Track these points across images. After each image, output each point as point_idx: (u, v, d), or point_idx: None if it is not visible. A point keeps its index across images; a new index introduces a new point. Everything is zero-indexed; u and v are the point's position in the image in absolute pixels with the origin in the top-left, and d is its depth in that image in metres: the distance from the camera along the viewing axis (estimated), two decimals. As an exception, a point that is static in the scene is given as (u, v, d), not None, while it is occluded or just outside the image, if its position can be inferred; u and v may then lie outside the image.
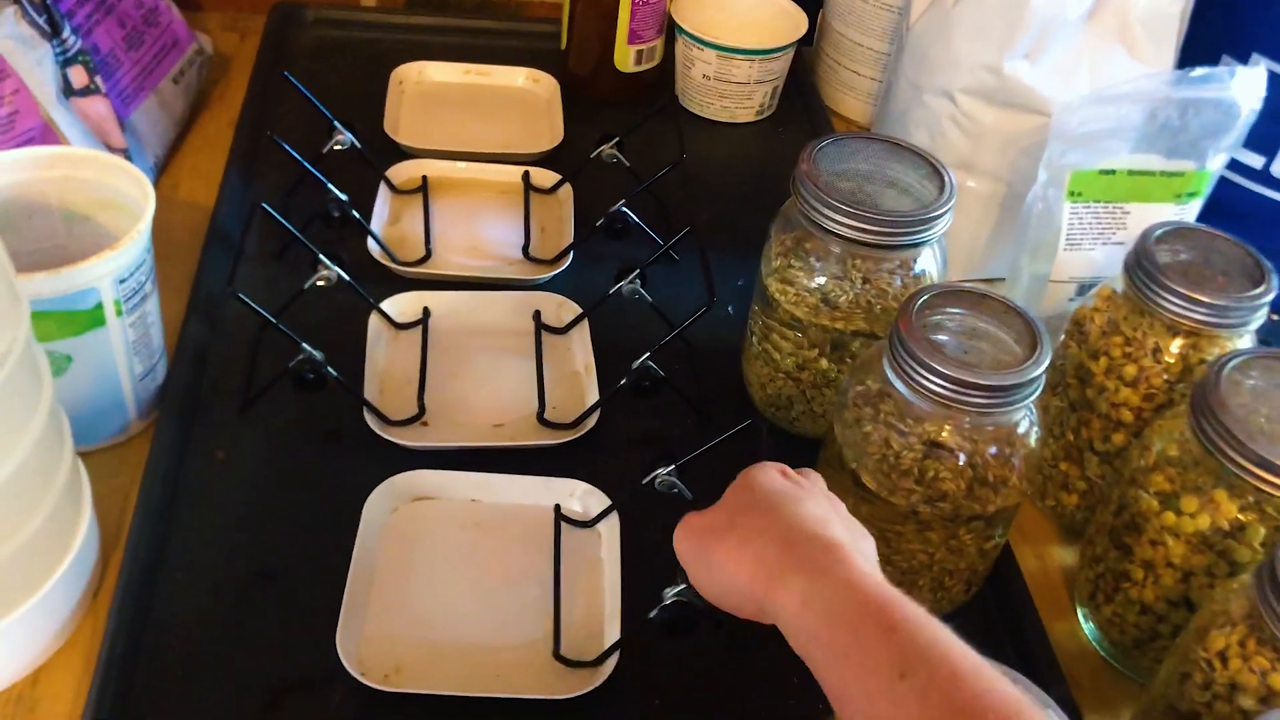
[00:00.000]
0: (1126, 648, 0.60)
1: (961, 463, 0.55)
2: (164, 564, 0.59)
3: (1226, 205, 0.84)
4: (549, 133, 0.91)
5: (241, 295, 0.63)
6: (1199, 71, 0.66)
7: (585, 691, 0.55)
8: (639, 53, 0.95)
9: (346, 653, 0.55)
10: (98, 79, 0.75)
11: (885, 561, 0.58)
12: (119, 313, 0.60)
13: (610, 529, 0.63)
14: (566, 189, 0.85)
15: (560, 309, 0.76)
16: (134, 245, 0.59)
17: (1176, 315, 0.59)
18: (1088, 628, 0.63)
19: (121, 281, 0.59)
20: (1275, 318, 0.90)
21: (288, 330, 0.64)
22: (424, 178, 0.84)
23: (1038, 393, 0.54)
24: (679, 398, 0.70)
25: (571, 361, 0.73)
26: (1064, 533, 0.69)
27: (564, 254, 0.79)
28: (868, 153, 0.65)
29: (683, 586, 0.55)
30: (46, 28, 0.72)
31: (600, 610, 0.60)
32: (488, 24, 1.04)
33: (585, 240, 0.79)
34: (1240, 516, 0.53)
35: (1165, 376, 0.60)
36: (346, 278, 0.69)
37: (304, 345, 0.63)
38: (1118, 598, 0.59)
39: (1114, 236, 0.70)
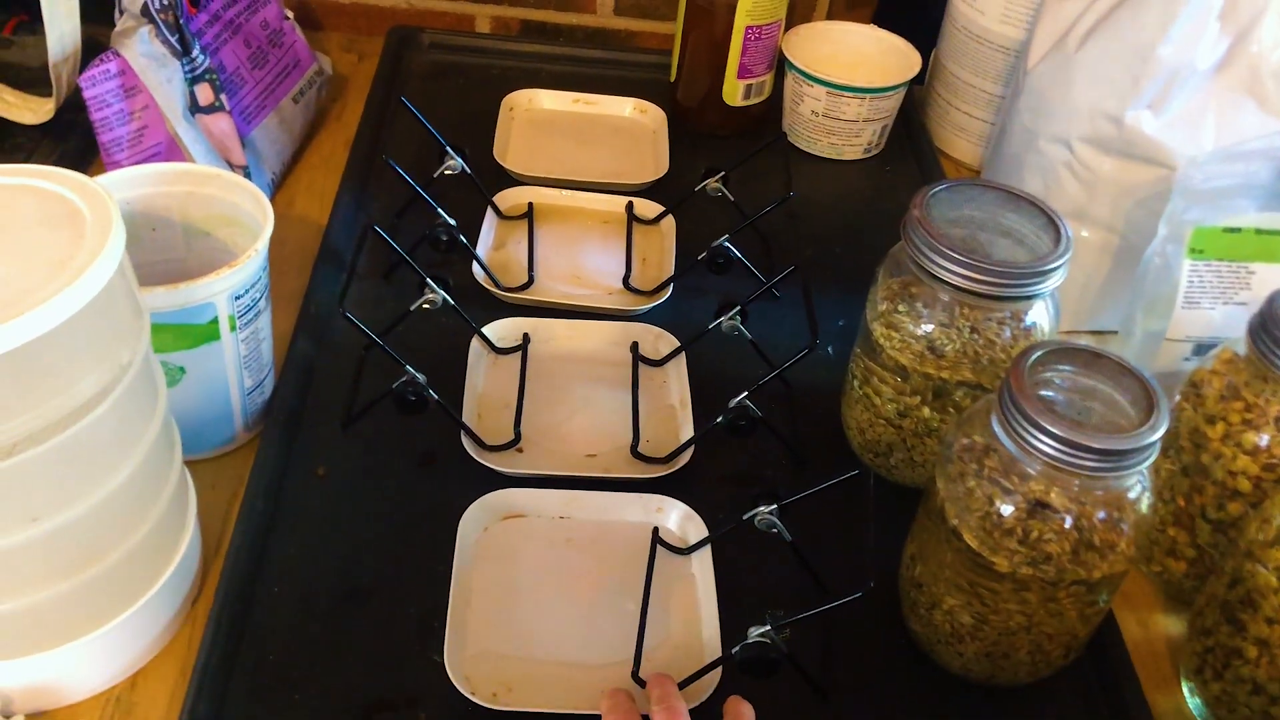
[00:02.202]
0: (1234, 727, 0.57)
1: (1067, 525, 0.53)
2: (262, 576, 0.60)
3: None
4: (654, 164, 0.91)
5: (350, 315, 0.64)
6: (1335, 129, 0.64)
7: None
8: (748, 87, 0.95)
9: (454, 671, 0.55)
10: (223, 97, 0.77)
11: (981, 621, 0.57)
12: (233, 328, 0.61)
13: (702, 558, 0.63)
14: (669, 221, 0.85)
15: (658, 341, 0.76)
16: (251, 263, 0.60)
17: (1303, 384, 0.56)
18: (1193, 703, 0.60)
19: (237, 298, 0.60)
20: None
21: (392, 352, 0.65)
22: (529, 204, 0.85)
23: (1153, 458, 0.52)
24: (775, 438, 0.69)
25: (667, 395, 0.73)
26: (1169, 600, 0.66)
27: (664, 286, 0.79)
28: (982, 200, 0.63)
29: (767, 628, 0.54)
30: (178, 46, 0.74)
31: (696, 637, 0.59)
32: (598, 54, 1.05)
33: (686, 273, 0.79)
34: (1366, 600, 0.50)
35: (1288, 447, 0.58)
36: (451, 301, 0.70)
37: (408, 368, 0.64)
38: (1228, 675, 0.57)
39: (1236, 297, 0.68)
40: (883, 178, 0.97)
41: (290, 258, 0.79)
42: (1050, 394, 0.53)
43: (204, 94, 0.76)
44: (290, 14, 0.88)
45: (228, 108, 0.78)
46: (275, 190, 0.86)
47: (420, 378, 0.64)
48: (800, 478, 0.69)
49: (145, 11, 0.73)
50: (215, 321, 0.60)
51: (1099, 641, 0.61)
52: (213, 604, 0.57)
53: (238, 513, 0.62)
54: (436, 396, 0.64)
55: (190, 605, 0.59)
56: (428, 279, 0.69)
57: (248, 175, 0.79)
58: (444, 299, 0.70)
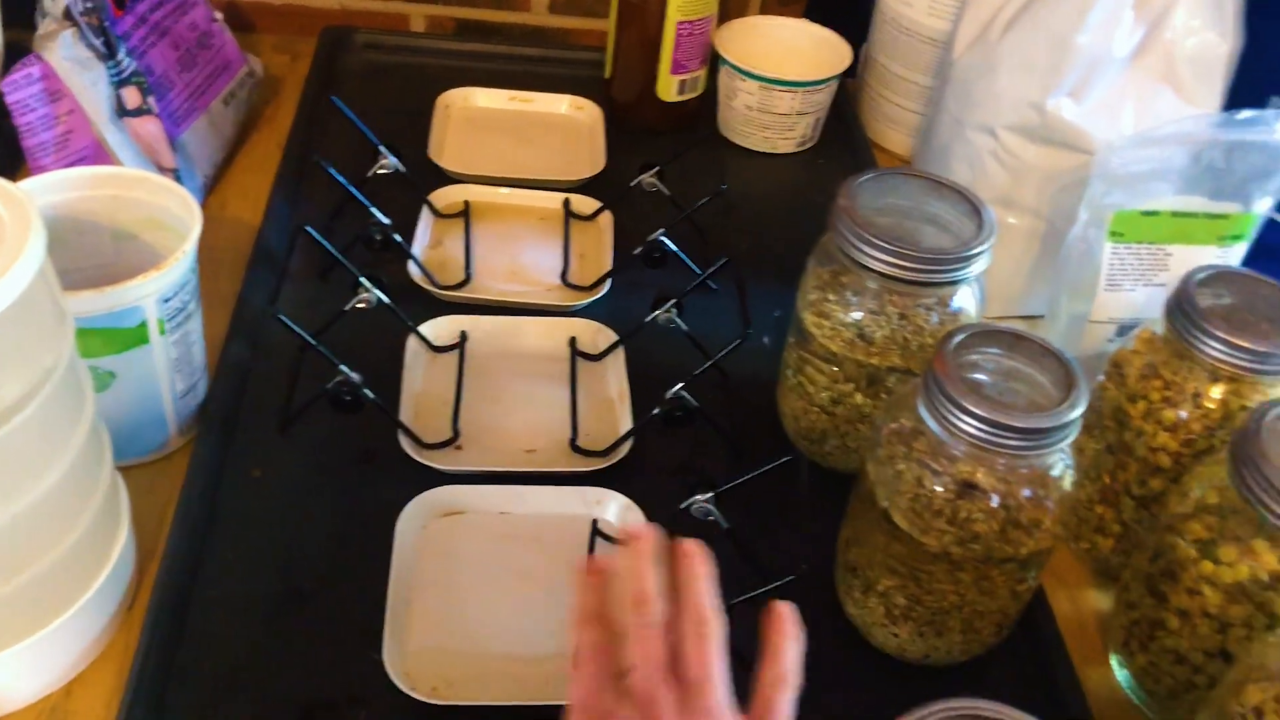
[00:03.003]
0: (1161, 697, 0.59)
1: (994, 504, 0.54)
2: (199, 580, 0.60)
3: (1272, 247, 0.83)
4: (591, 160, 0.92)
5: (282, 316, 0.64)
6: (1245, 114, 0.66)
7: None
8: (682, 82, 0.95)
9: (394, 667, 0.55)
10: (150, 100, 0.77)
11: (915, 602, 0.58)
12: (162, 331, 0.61)
13: None
14: (607, 216, 0.86)
15: (597, 336, 0.76)
16: (178, 266, 0.60)
17: (1218, 360, 0.58)
18: (1121, 675, 0.62)
19: (165, 301, 0.60)
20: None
21: (327, 352, 0.65)
22: (466, 203, 0.85)
23: (1073, 436, 0.53)
24: (712, 428, 0.70)
25: (606, 389, 0.73)
26: (1098, 576, 0.68)
27: (601, 281, 0.80)
28: (907, 189, 0.65)
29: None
30: (103, 49, 0.74)
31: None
32: (534, 51, 1.05)
33: (623, 268, 0.80)
34: None
35: (1205, 422, 0.59)
36: (386, 300, 0.70)
37: (342, 367, 0.64)
38: (1153, 646, 0.58)
39: (1155, 278, 0.70)
40: (817, 170, 0.98)
41: (223, 260, 0.79)
42: (975, 376, 0.55)
43: (131, 97, 0.76)
44: (219, 16, 0.88)
45: (156, 111, 0.77)
46: (207, 193, 0.85)
47: (355, 377, 0.64)
48: (738, 467, 0.70)
49: (68, 15, 0.72)
50: (144, 325, 0.60)
51: (1031, 618, 0.63)
52: (148, 608, 0.57)
53: (172, 516, 0.61)
54: (372, 395, 0.64)
55: (126, 611, 0.59)
56: (361, 278, 0.69)
57: (178, 178, 0.79)
58: (379, 298, 0.70)
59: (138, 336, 0.60)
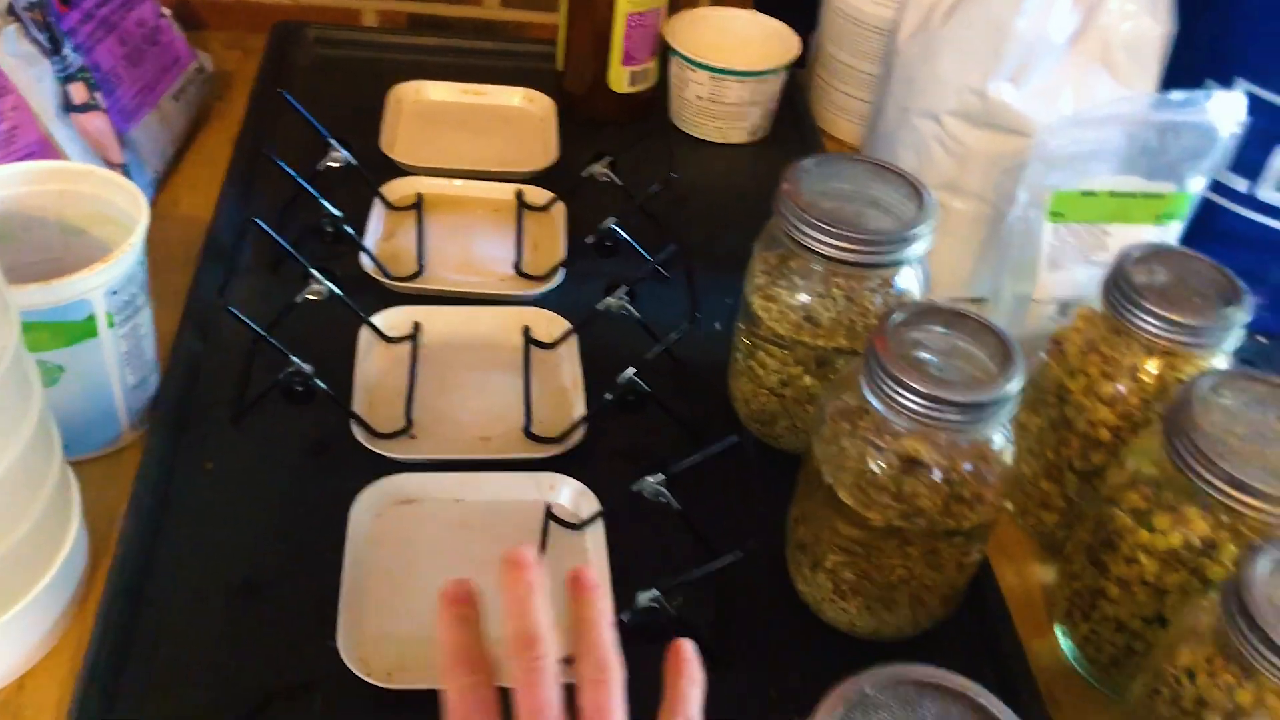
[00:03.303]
0: (1103, 665, 0.60)
1: (937, 479, 0.55)
2: (152, 572, 0.60)
3: (1212, 227, 0.85)
4: (544, 151, 0.92)
5: (232, 309, 0.64)
6: (1177, 95, 0.67)
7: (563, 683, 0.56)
8: (633, 74, 0.96)
9: (348, 653, 0.55)
10: (98, 95, 0.76)
11: (864, 577, 0.59)
12: (111, 324, 0.61)
13: (595, 533, 0.64)
14: (560, 207, 0.86)
15: (550, 325, 0.76)
16: (126, 258, 0.60)
17: (1153, 335, 0.59)
18: (1066, 645, 0.63)
19: (113, 294, 0.60)
20: (1262, 340, 0.91)
21: (277, 343, 0.65)
22: (418, 195, 0.85)
23: (1012, 409, 0.54)
24: (665, 413, 0.71)
25: (559, 377, 0.74)
26: (1044, 551, 0.69)
27: (555, 270, 0.80)
28: (850, 173, 0.66)
29: (654, 593, 0.56)
30: (48, 45, 0.73)
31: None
32: (486, 45, 1.05)
33: (576, 257, 0.80)
34: (1212, 534, 0.53)
35: (1142, 396, 0.61)
36: (338, 291, 0.70)
37: (293, 358, 0.64)
38: (1094, 615, 0.60)
39: (1095, 257, 0.71)
40: (768, 159, 0.99)
41: (175, 255, 0.78)
42: (916, 354, 0.56)
43: (78, 93, 0.75)
44: (168, 11, 0.87)
45: (103, 106, 0.77)
46: (158, 188, 0.85)
47: (306, 368, 0.64)
48: (691, 450, 0.71)
49: (11, 10, 0.72)
50: (92, 318, 0.60)
51: (978, 593, 0.64)
52: (100, 600, 0.57)
53: (125, 510, 0.61)
54: (323, 385, 0.65)
55: (79, 605, 0.59)
56: (311, 270, 0.70)
57: (127, 174, 0.78)
58: (330, 289, 0.70)
59: (86, 330, 0.60)
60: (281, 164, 0.75)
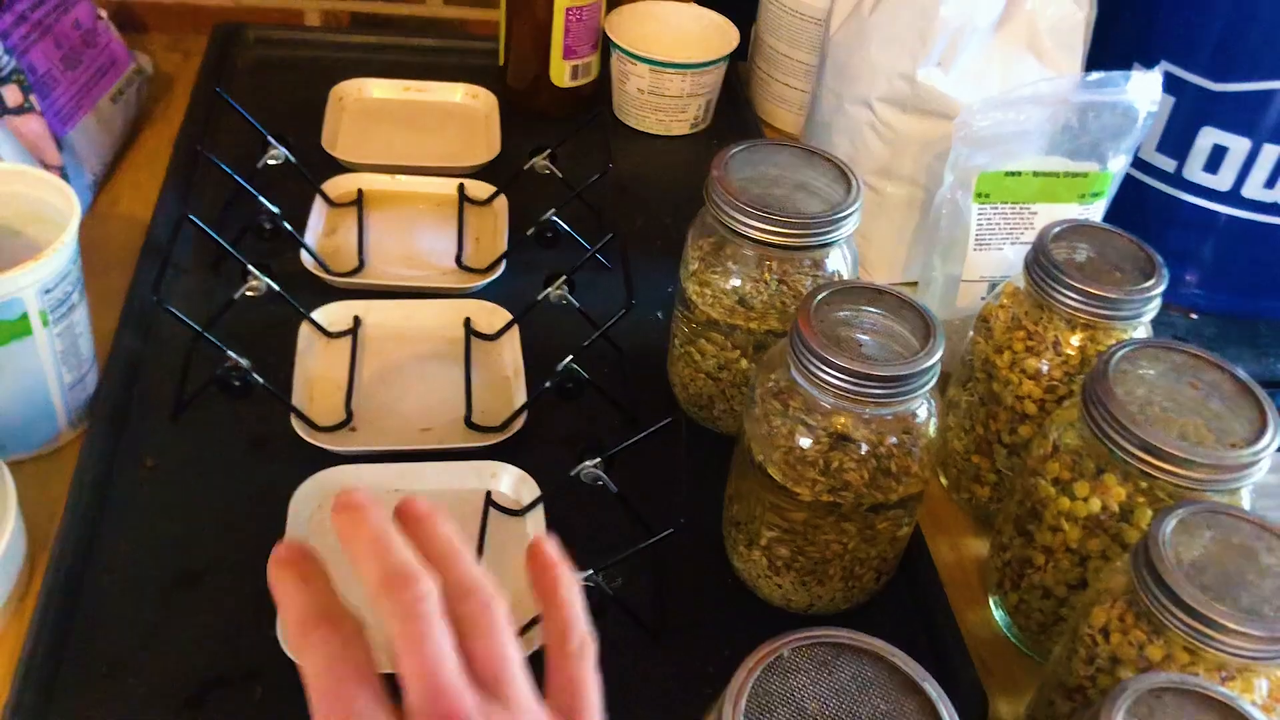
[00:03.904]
0: (1033, 632, 0.62)
1: (864, 452, 0.57)
2: (90, 568, 0.60)
3: (1141, 208, 0.87)
4: (486, 146, 0.93)
5: (168, 306, 0.64)
6: (1096, 76, 0.69)
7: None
8: (574, 68, 0.97)
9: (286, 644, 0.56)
10: (33, 98, 0.76)
11: (797, 553, 0.60)
12: (45, 323, 0.61)
13: (536, 519, 0.65)
14: (501, 200, 0.87)
15: (492, 316, 0.77)
16: (58, 256, 0.60)
17: (1073, 309, 0.61)
18: (998, 615, 0.64)
19: (47, 292, 0.60)
20: (1194, 316, 0.93)
21: (213, 339, 0.65)
22: (359, 190, 0.86)
23: (933, 382, 0.56)
24: (607, 399, 0.71)
25: (501, 367, 0.75)
26: (978, 524, 0.70)
27: (496, 263, 0.81)
28: (778, 159, 0.67)
29: (589, 573, 0.56)
30: (-20, 48, 0.73)
31: (529, 594, 0.61)
32: (429, 42, 1.06)
33: (518, 249, 0.81)
34: (1129, 500, 0.55)
35: (1065, 369, 0.62)
36: (276, 287, 0.71)
37: (229, 352, 0.65)
38: (1023, 584, 0.61)
39: (1022, 236, 0.73)
40: (709, 150, 0.98)
41: (115, 255, 0.79)
42: (838, 332, 0.57)
43: (12, 95, 0.75)
44: (104, 14, 0.87)
45: (39, 109, 0.77)
46: (98, 190, 0.85)
47: (244, 362, 0.65)
48: (631, 435, 0.72)
49: (-58, 13, 0.72)
50: (25, 317, 0.60)
51: (912, 566, 0.65)
52: (38, 596, 0.57)
53: (64, 507, 0.62)
54: (261, 380, 0.65)
55: (17, 603, 0.59)
56: (249, 266, 0.70)
57: (65, 176, 0.78)
58: (268, 285, 0.70)
59: (19, 329, 0.60)
60: (218, 162, 0.76)
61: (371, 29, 1.08)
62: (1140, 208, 0.88)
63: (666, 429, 0.64)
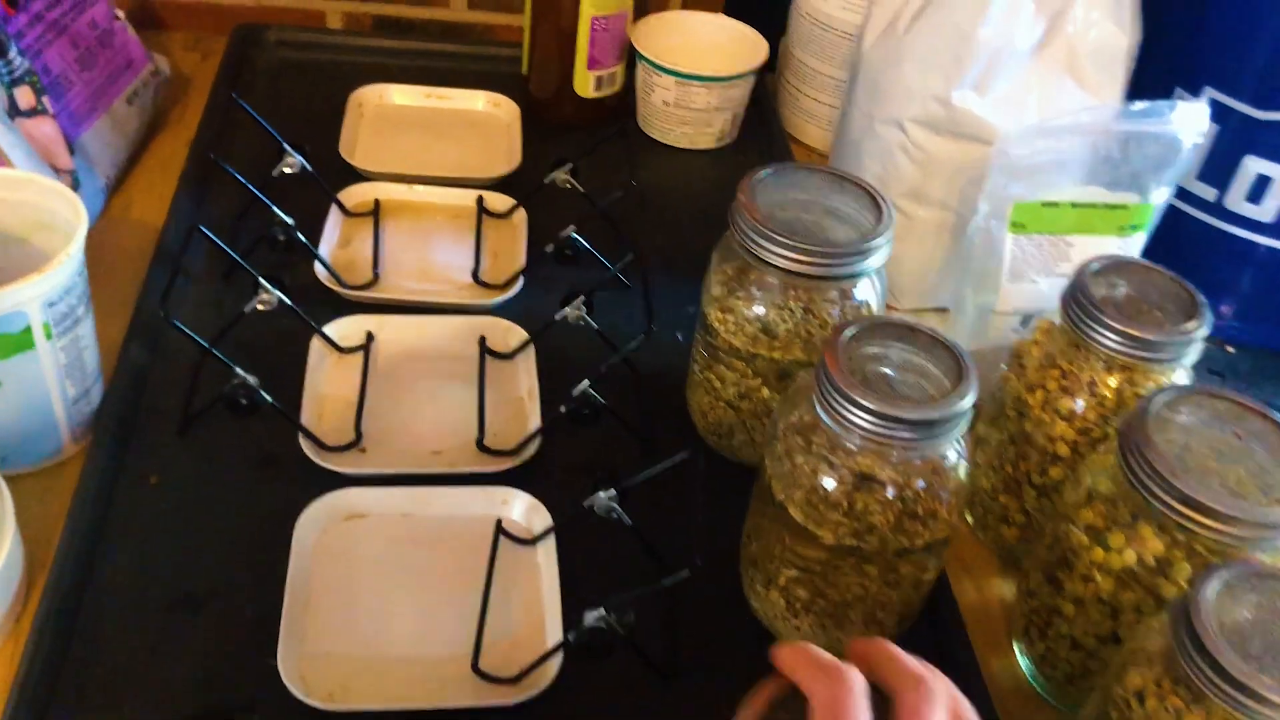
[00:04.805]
0: (1059, 683, 0.60)
1: (890, 496, 0.54)
2: (90, 587, 0.59)
3: (1179, 237, 0.84)
4: (507, 157, 0.91)
5: (175, 321, 0.62)
6: (1140, 105, 0.67)
7: (510, 703, 0.55)
8: (599, 78, 0.95)
9: (289, 673, 0.54)
10: (45, 100, 0.75)
11: (817, 594, 0.58)
12: (49, 336, 0.59)
13: (547, 548, 0.63)
14: (520, 214, 0.85)
15: (507, 334, 0.75)
16: (63, 269, 0.58)
17: (1111, 350, 0.59)
18: (1023, 663, 0.62)
19: (51, 305, 0.59)
20: (1230, 350, 0.90)
21: (221, 355, 0.64)
22: (376, 201, 0.84)
23: (964, 426, 0.53)
24: (621, 425, 0.69)
25: (516, 388, 0.73)
26: (1004, 565, 0.68)
27: (514, 279, 0.79)
28: (807, 184, 0.65)
29: (601, 612, 0.54)
30: (-7, 48, 0.72)
31: (539, 627, 0.59)
32: (452, 48, 1.04)
33: (536, 265, 0.79)
34: (1166, 553, 0.52)
35: (1100, 411, 0.60)
36: (287, 301, 0.69)
37: (237, 369, 0.63)
38: (1050, 633, 0.59)
39: (1058, 269, 0.70)
40: (735, 165, 0.98)
41: (126, 261, 0.77)
42: (868, 369, 0.55)
43: (24, 97, 0.74)
44: (121, 14, 0.86)
45: (51, 111, 0.75)
46: (111, 194, 0.83)
47: (251, 380, 0.63)
48: (647, 463, 0.70)
49: (-45, 12, 0.70)
50: (29, 330, 0.58)
51: (935, 608, 0.63)
52: (35, 616, 0.55)
53: (64, 524, 0.60)
54: (270, 398, 0.63)
55: (14, 621, 0.58)
56: (260, 278, 0.68)
57: (75, 180, 0.77)
58: (279, 298, 0.69)
59: (22, 342, 0.58)
60: (231, 170, 0.74)
61: (394, 33, 1.06)
62: (1178, 236, 0.85)
63: (684, 461, 0.62)
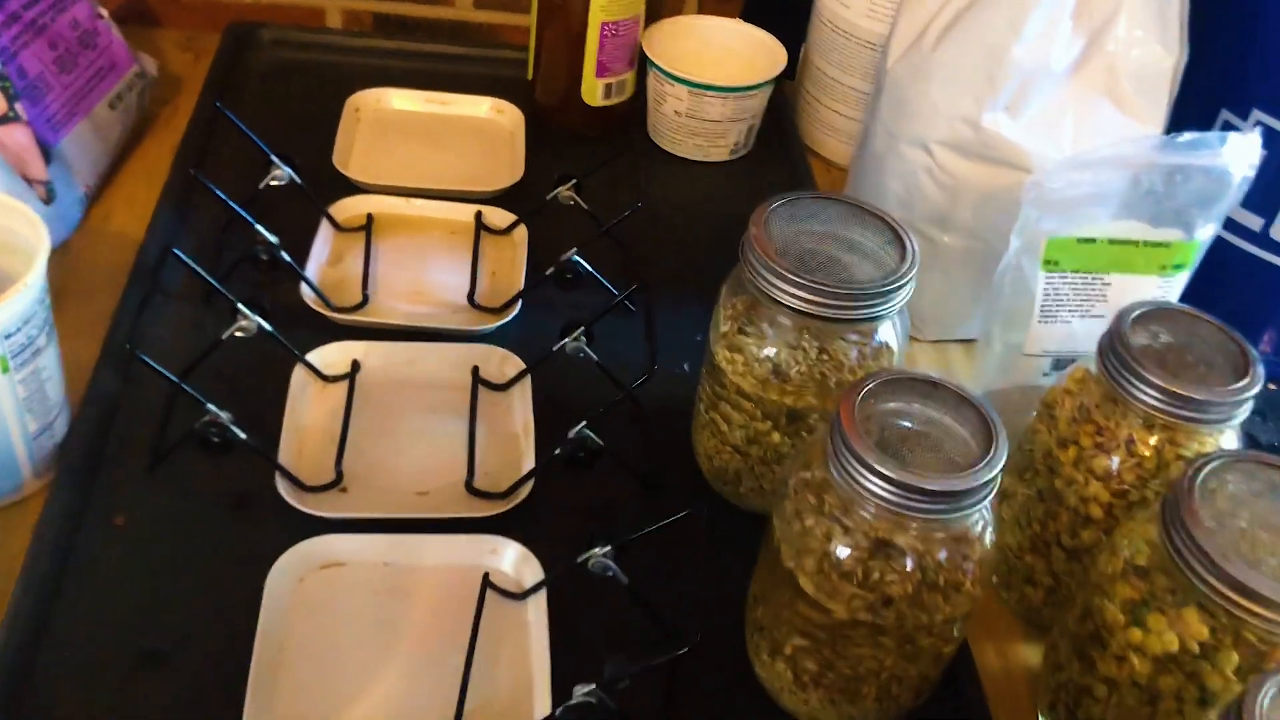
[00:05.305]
0: (1089, 769, 0.55)
1: (909, 567, 0.50)
2: (45, 642, 0.55)
3: (1221, 266, 0.79)
4: (509, 168, 0.86)
5: (142, 355, 0.58)
6: (1187, 136, 0.61)
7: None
8: (608, 86, 0.90)
9: None
10: (18, 106, 0.71)
11: (827, 667, 0.54)
12: (5, 369, 0.55)
13: (538, 604, 0.59)
14: (521, 230, 0.81)
15: (503, 364, 0.71)
16: (21, 297, 0.54)
17: (1151, 408, 0.54)
18: (1048, 739, 0.58)
19: (8, 337, 0.55)
20: (1272, 387, 0.85)
21: (191, 389, 0.59)
22: (369, 215, 0.80)
23: (991, 496, 0.49)
24: (623, 467, 0.65)
25: (510, 422, 0.68)
26: (1029, 628, 0.64)
27: (511, 303, 0.74)
28: (825, 215, 0.60)
29: (592, 687, 0.50)
30: (-38, 52, 0.68)
31: (527, 692, 0.55)
32: (455, 50, 0.99)
33: (536, 288, 0.75)
34: (1212, 639, 0.48)
35: (1139, 472, 0.55)
36: (268, 328, 0.65)
37: (209, 405, 0.59)
38: (1079, 713, 0.54)
39: (1093, 309, 0.65)
40: (751, 179, 0.93)
41: (103, 278, 0.73)
42: (889, 426, 0.50)
43: (-5, 103, 0.70)
44: (105, 12, 0.82)
45: (24, 117, 0.71)
46: (90, 203, 0.79)
47: (223, 415, 0.59)
48: (652, 507, 0.65)
49: (-79, 13, 0.66)
50: (-17, 363, 0.54)
51: (952, 678, 0.58)
52: (-18, 678, 0.52)
53: (19, 571, 0.56)
54: (243, 435, 0.59)
55: (-37, 678, 0.54)
56: (239, 304, 0.64)
57: (51, 190, 0.73)
58: (259, 325, 0.64)
59: (-24, 376, 0.54)
60: (211, 186, 0.70)
61: (395, 32, 1.01)
62: (1219, 266, 0.80)
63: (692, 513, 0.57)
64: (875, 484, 0.47)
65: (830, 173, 0.96)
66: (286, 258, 0.70)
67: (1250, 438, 0.81)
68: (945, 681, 0.58)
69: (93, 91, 0.79)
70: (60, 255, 0.75)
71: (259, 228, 0.70)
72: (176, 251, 0.63)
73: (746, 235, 0.58)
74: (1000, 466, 0.48)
